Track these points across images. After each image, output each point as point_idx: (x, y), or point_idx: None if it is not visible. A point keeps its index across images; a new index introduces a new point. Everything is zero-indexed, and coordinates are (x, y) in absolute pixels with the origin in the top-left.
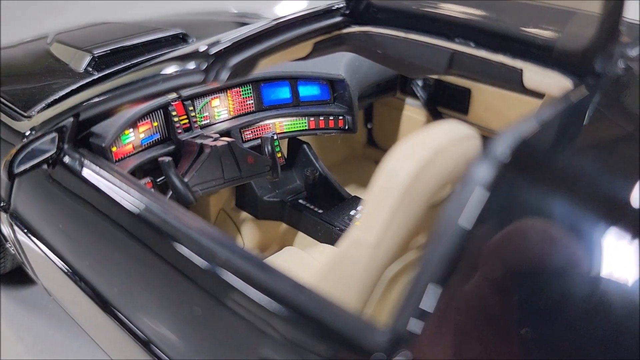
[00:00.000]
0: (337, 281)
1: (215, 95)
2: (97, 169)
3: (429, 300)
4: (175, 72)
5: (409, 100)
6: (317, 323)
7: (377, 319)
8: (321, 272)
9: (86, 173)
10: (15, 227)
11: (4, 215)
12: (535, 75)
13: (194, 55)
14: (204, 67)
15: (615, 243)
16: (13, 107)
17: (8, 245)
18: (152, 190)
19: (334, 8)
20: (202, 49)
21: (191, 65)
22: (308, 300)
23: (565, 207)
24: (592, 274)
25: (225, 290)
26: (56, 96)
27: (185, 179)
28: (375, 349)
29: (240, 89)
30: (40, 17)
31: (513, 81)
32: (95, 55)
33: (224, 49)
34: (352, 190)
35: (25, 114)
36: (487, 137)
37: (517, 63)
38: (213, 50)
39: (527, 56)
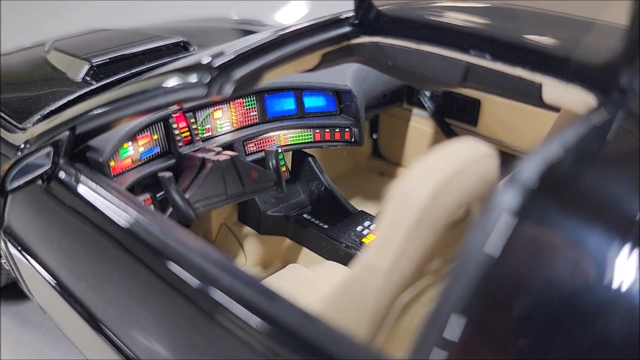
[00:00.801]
0: (348, 308)
1: (218, 107)
2: (94, 185)
3: (453, 330)
4: (177, 85)
5: (415, 111)
6: (327, 355)
7: (388, 348)
8: (331, 298)
9: (82, 190)
10: (9, 244)
11: None
12: (555, 90)
13: (196, 68)
14: (207, 81)
15: None
16: (7, 118)
17: (2, 261)
18: (151, 208)
19: (342, 18)
20: (205, 61)
21: (194, 79)
22: (317, 331)
23: (597, 235)
24: (631, 306)
25: (226, 316)
26: (52, 107)
27: (187, 195)
28: None
29: (244, 100)
30: (40, 20)
31: (531, 96)
32: (94, 64)
33: (228, 61)
34: (356, 203)
35: (20, 126)
36: (497, 151)
37: (536, 77)
38: (217, 63)
39: (546, 70)
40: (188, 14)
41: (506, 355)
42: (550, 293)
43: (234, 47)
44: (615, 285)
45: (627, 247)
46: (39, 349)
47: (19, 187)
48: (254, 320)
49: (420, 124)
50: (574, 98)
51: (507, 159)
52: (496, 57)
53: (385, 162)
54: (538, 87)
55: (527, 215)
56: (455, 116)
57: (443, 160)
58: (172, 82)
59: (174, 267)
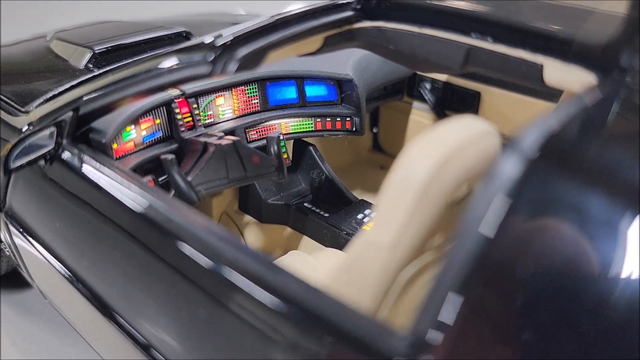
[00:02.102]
0: (351, 284)
1: (220, 94)
2: (98, 165)
3: (450, 308)
4: (181, 63)
5: (416, 104)
6: (332, 327)
7: (393, 323)
8: (334, 274)
9: (86, 169)
10: (10, 227)
11: None
12: (556, 70)
13: (199, 47)
14: (211, 59)
15: None
16: (10, 102)
17: (2, 247)
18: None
19: (345, 2)
20: (208, 40)
21: (197, 57)
22: (322, 303)
23: (598, 204)
24: (632, 277)
25: (231, 292)
26: (55, 92)
27: (189, 178)
28: (394, 354)
29: (246, 88)
30: (41, 18)
31: (533, 77)
32: (96, 51)
33: (232, 40)
34: (357, 195)
35: (23, 109)
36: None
37: (538, 58)
38: (220, 42)
39: (547, 51)
40: (190, 12)
41: (502, 336)
42: (552, 269)
43: (236, 28)
44: (617, 263)
45: (630, 219)
46: (39, 338)
47: (22, 166)
48: (259, 293)
49: (420, 117)
50: (575, 78)
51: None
52: (497, 39)
53: (385, 155)
54: (539, 68)
55: (527, 186)
56: (456, 109)
57: (445, 136)
58: (176, 60)
59: (181, 245)
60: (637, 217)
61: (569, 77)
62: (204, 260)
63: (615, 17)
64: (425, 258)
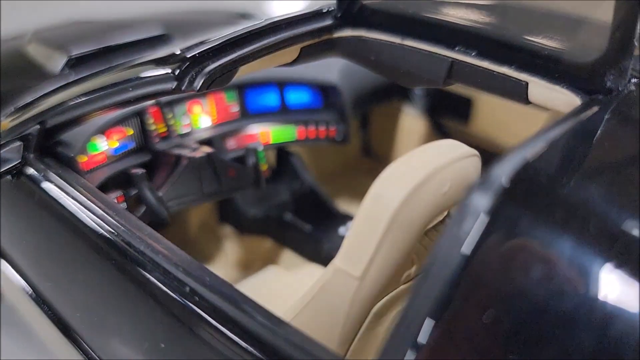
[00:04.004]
0: (319, 315)
1: (197, 100)
2: (61, 182)
3: (424, 334)
4: (147, 77)
5: (407, 109)
6: None
7: (365, 356)
8: (303, 303)
9: (50, 187)
10: None
11: None
12: (541, 89)
13: (168, 59)
14: (177, 73)
15: (629, 284)
16: None
17: None
18: (123, 206)
19: (324, 10)
20: (178, 52)
21: (163, 71)
22: (285, 339)
23: (568, 239)
24: (599, 312)
25: (194, 323)
26: (26, 101)
27: (160, 193)
28: None
29: (225, 94)
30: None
31: (517, 95)
32: (72, 56)
33: (200, 52)
34: (344, 204)
35: None
36: (488, 151)
37: (522, 76)
38: (189, 54)
39: (533, 68)
40: (179, 7)
41: (476, 356)
42: (519, 297)
43: (209, 39)
44: (586, 292)
45: (599, 252)
46: (11, 352)
47: None
48: (219, 326)
49: (411, 122)
50: (560, 98)
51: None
52: (482, 54)
53: (375, 161)
54: (524, 86)
55: (497, 216)
56: (447, 114)
57: (419, 161)
58: (143, 74)
59: (138, 270)
60: (606, 253)
61: (554, 97)
62: (162, 289)
63: (605, 29)
64: (399, 290)
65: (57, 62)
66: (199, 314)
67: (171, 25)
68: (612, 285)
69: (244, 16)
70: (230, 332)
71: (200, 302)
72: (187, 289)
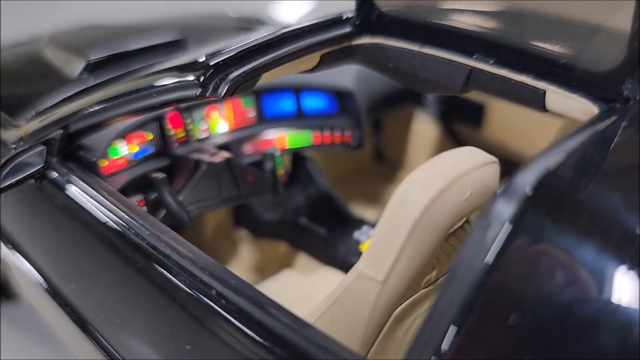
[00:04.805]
0: (342, 318)
1: (214, 106)
2: (84, 186)
3: (446, 341)
4: (171, 84)
5: (419, 114)
6: None
7: (385, 357)
8: (325, 306)
9: (72, 190)
10: (1, 242)
11: None
12: (558, 97)
13: (192, 66)
14: (202, 80)
15: None
16: (3, 114)
17: None
18: (143, 210)
19: (343, 18)
20: (201, 59)
21: (188, 77)
22: (310, 340)
23: (592, 246)
24: (622, 318)
25: (217, 323)
26: (47, 105)
27: (180, 197)
28: None
29: (242, 100)
30: (38, 12)
31: (535, 103)
32: (90, 60)
33: (224, 60)
34: (357, 208)
35: (15, 123)
36: (500, 156)
37: (540, 84)
38: (213, 61)
39: (550, 77)
40: (185, 11)
41: None
42: (542, 304)
43: (231, 46)
44: (608, 298)
45: (622, 259)
46: (27, 350)
47: (11, 185)
48: (244, 328)
49: (423, 127)
50: (577, 106)
51: (512, 165)
52: (500, 62)
53: (387, 166)
54: (542, 94)
55: (521, 224)
56: (460, 120)
57: (441, 168)
58: (167, 80)
59: (162, 272)
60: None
61: (571, 105)
62: (184, 289)
63: (622, 37)
64: (420, 294)
65: (75, 67)
66: (225, 316)
67: (185, 30)
68: (634, 291)
69: (258, 21)
70: (256, 334)
71: (227, 305)
72: (214, 292)
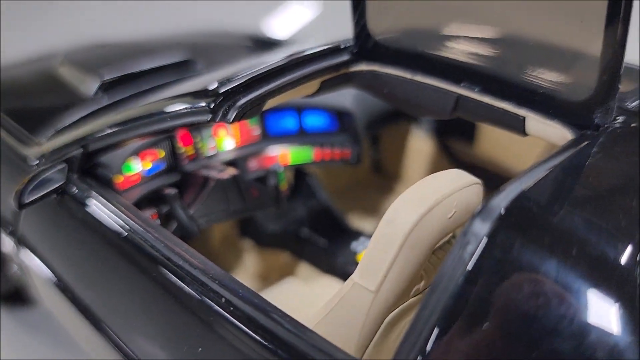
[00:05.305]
0: (338, 324)
1: (222, 125)
2: (103, 200)
3: (430, 344)
4: (184, 109)
5: (415, 130)
6: None
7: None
8: (323, 313)
9: (92, 204)
10: (21, 251)
11: (10, 239)
12: (537, 123)
13: (202, 94)
14: (212, 107)
15: (604, 301)
16: (23, 130)
17: (13, 267)
18: (157, 223)
19: (341, 47)
20: (211, 87)
21: (199, 104)
22: (309, 343)
23: (553, 261)
24: (582, 332)
25: (225, 328)
26: (66, 124)
27: (190, 211)
28: None
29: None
30: (41, 23)
31: (515, 127)
32: (105, 80)
33: (232, 88)
34: (355, 219)
35: (35, 140)
36: (491, 171)
37: (520, 111)
38: (222, 89)
39: (530, 104)
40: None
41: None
42: (514, 313)
43: (238, 74)
44: (568, 307)
45: (580, 273)
46: (43, 354)
47: (35, 201)
48: (251, 332)
49: (419, 142)
50: (554, 132)
51: (502, 179)
52: (485, 90)
53: (384, 178)
54: (522, 120)
55: (495, 241)
56: (453, 136)
57: (428, 189)
58: (180, 106)
59: (175, 281)
60: (592, 277)
61: (549, 131)
62: (196, 296)
63: (594, 71)
64: (410, 302)
65: (89, 86)
66: (233, 322)
67: (192, 48)
68: (587, 301)
69: (260, 39)
70: (261, 337)
71: (235, 312)
72: (223, 299)
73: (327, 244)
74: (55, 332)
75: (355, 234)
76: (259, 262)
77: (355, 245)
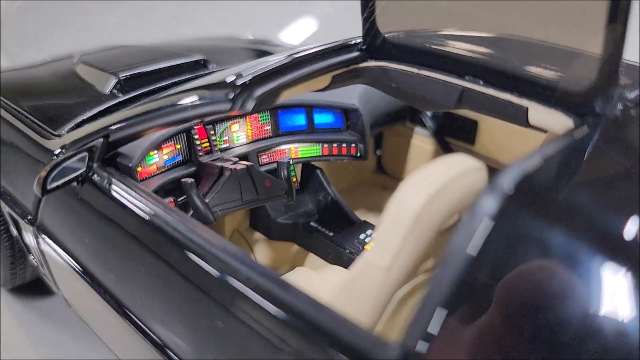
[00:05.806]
0: (351, 300)
1: (235, 121)
2: (124, 187)
3: (436, 323)
4: (204, 99)
5: (417, 130)
6: (333, 338)
7: (387, 336)
8: (337, 291)
9: (114, 191)
10: (41, 240)
11: (30, 228)
12: (539, 113)
13: (221, 85)
14: (231, 97)
15: (612, 277)
16: (43, 125)
17: (31, 257)
18: (177, 209)
19: (351, 43)
20: (230, 79)
21: (219, 95)
22: (325, 317)
23: (563, 240)
24: (590, 309)
25: (244, 305)
26: (84, 117)
27: (206, 200)
28: None
29: (259, 115)
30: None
31: (519, 118)
32: (121, 78)
33: (250, 80)
34: (360, 215)
35: (55, 133)
36: (492, 168)
37: (523, 102)
38: (239, 82)
39: (532, 95)
40: (202, 34)
41: (484, 346)
42: (521, 292)
43: (253, 68)
44: (577, 287)
45: (586, 250)
46: (61, 343)
47: (57, 187)
48: (269, 307)
49: (421, 141)
50: (555, 121)
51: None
52: (488, 82)
53: (388, 177)
54: (525, 111)
55: (503, 219)
56: (454, 135)
57: (437, 171)
58: (199, 96)
59: (198, 260)
60: (596, 253)
61: (551, 120)
62: (218, 275)
63: (594, 63)
64: (418, 279)
65: (106, 83)
66: (249, 297)
67: (203, 51)
68: (597, 279)
69: (269, 44)
70: (281, 309)
71: (257, 288)
72: (244, 277)
73: (334, 235)
74: (74, 321)
75: (362, 226)
76: (269, 253)
77: (362, 237)
